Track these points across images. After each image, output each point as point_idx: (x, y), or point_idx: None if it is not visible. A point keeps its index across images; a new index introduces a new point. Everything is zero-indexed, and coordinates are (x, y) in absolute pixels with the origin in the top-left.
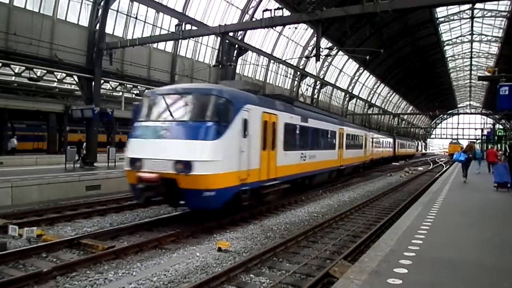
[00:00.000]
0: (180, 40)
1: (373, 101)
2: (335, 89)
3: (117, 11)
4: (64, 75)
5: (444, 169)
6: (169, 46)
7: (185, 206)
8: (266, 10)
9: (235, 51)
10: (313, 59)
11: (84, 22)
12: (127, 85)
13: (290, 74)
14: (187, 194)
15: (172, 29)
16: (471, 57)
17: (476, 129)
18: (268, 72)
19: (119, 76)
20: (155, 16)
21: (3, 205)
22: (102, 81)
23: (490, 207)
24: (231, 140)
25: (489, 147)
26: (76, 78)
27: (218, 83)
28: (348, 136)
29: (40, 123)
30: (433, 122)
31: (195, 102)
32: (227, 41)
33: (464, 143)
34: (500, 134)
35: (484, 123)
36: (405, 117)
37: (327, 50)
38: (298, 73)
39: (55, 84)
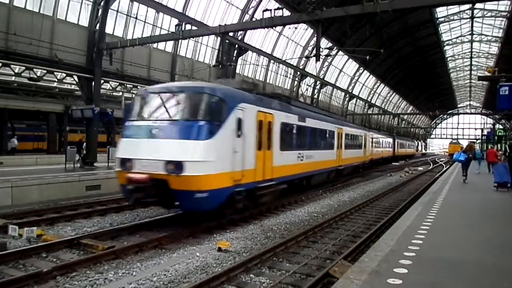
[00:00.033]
0: (180, 40)
1: (373, 101)
2: (335, 89)
3: (117, 11)
4: (64, 75)
5: (444, 169)
6: (169, 46)
7: (177, 208)
8: (266, 10)
9: (235, 51)
10: (313, 59)
11: (84, 22)
12: (127, 85)
13: (290, 74)
14: (178, 196)
15: (172, 29)
16: (471, 57)
17: (476, 129)
18: (268, 72)
19: (119, 76)
20: (155, 16)
21: (3, 205)
22: (102, 81)
23: (490, 207)
24: (224, 140)
25: (489, 147)
26: (76, 78)
27: (211, 81)
28: (347, 136)
29: (40, 123)
30: (433, 122)
31: (187, 100)
32: (227, 41)
33: (464, 143)
34: (500, 134)
35: (484, 123)
36: (405, 117)
37: (327, 50)
38: (298, 73)
39: (55, 84)
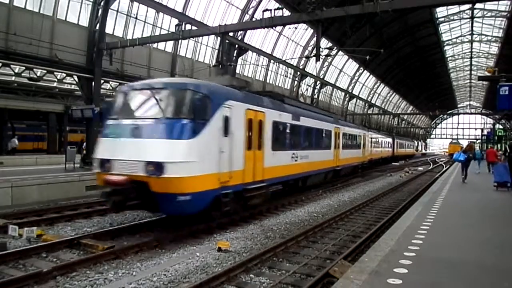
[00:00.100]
0: (180, 40)
1: (373, 101)
2: (335, 89)
3: (117, 11)
4: (64, 75)
5: (444, 169)
6: (169, 46)
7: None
8: (266, 10)
9: (235, 51)
10: (313, 59)
11: (84, 22)
12: None
13: (290, 74)
14: (159, 199)
15: (172, 29)
16: (471, 57)
17: (476, 129)
18: (268, 72)
19: (119, 76)
20: (155, 16)
21: (3, 205)
22: (102, 81)
23: (490, 207)
24: (209, 139)
25: (489, 147)
26: (76, 78)
27: (200, 78)
28: (345, 135)
29: (40, 123)
30: (433, 122)
31: (169, 97)
32: (227, 41)
33: (464, 143)
34: (500, 134)
35: (484, 123)
36: (405, 117)
37: (327, 50)
38: (298, 73)
39: (55, 84)
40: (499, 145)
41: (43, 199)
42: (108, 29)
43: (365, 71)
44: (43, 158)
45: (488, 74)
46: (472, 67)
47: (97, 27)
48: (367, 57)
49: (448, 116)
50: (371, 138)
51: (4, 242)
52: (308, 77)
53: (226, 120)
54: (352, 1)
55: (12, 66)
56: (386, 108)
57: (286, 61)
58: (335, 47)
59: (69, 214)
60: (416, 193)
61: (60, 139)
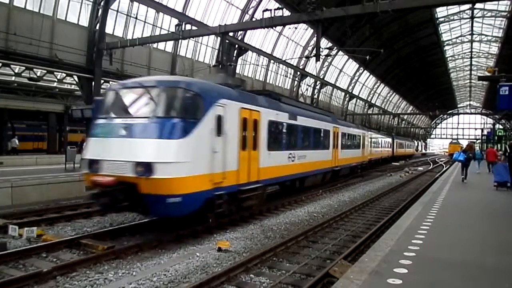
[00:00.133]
0: (180, 40)
1: (373, 101)
2: (335, 89)
3: (117, 11)
4: (64, 75)
5: (444, 169)
6: (169, 46)
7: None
8: (266, 10)
9: (235, 51)
10: (313, 59)
11: (84, 22)
12: None
13: (290, 74)
14: (148, 200)
15: (172, 29)
16: (471, 57)
17: (476, 129)
18: (268, 72)
19: (119, 76)
20: (155, 16)
21: (3, 205)
22: (102, 81)
23: (490, 206)
24: (201, 139)
25: (489, 147)
26: (76, 78)
27: (195, 77)
28: (344, 135)
29: (40, 123)
30: (433, 122)
31: (160, 96)
32: (227, 41)
33: (464, 143)
34: (500, 134)
35: (484, 123)
36: (405, 117)
37: (327, 50)
38: (298, 73)
39: (55, 84)
40: (499, 145)
41: (43, 199)
42: (108, 29)
43: (365, 71)
44: (43, 158)
45: (488, 74)
46: (472, 67)
47: (97, 27)
48: (367, 57)
49: (448, 116)
50: (371, 138)
51: (4, 242)
52: (308, 77)
53: (219, 119)
54: (352, 1)
55: (12, 66)
56: (386, 108)
57: (286, 61)
58: (335, 47)
59: (69, 214)
60: (416, 193)
61: (60, 139)
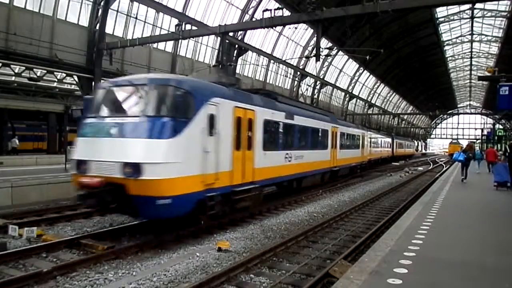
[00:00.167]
0: (180, 40)
1: (373, 101)
2: (335, 89)
3: (117, 11)
4: (64, 75)
5: (444, 169)
6: (169, 46)
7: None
8: (266, 10)
9: (235, 51)
10: (313, 59)
11: (84, 22)
12: None
13: (290, 74)
14: (137, 202)
15: (172, 29)
16: (471, 57)
17: (476, 129)
18: (268, 72)
19: (119, 76)
20: (155, 16)
21: (3, 205)
22: (102, 81)
23: (490, 206)
24: (192, 139)
25: (489, 147)
26: (76, 78)
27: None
28: (343, 135)
29: (40, 123)
30: (433, 122)
31: (150, 94)
32: (227, 41)
33: (464, 143)
34: (500, 134)
35: (484, 123)
36: (405, 117)
37: (327, 50)
38: (298, 73)
39: (55, 84)
40: (499, 145)
41: (43, 199)
42: (108, 29)
43: (365, 71)
44: (43, 158)
45: (488, 74)
46: (472, 67)
47: (97, 27)
48: (367, 57)
49: (448, 116)
50: (370, 138)
51: (4, 242)
52: (308, 77)
53: (212, 118)
54: (352, 1)
55: (12, 66)
56: (386, 108)
57: (286, 61)
58: (335, 47)
59: (69, 214)
60: (416, 193)
61: (60, 139)
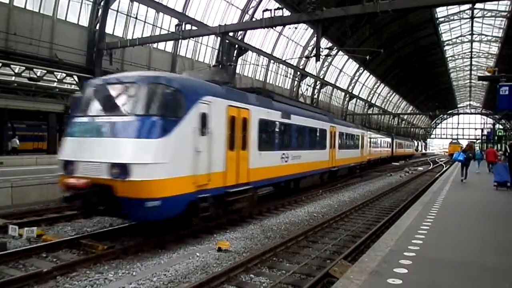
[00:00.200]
0: (180, 40)
1: (373, 101)
2: (335, 89)
3: (117, 11)
4: (64, 75)
5: (444, 169)
6: (169, 46)
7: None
8: (266, 10)
9: (235, 51)
10: (313, 59)
11: (84, 22)
12: None
13: (290, 74)
14: (125, 204)
15: (172, 29)
16: (471, 57)
17: (476, 129)
18: (268, 72)
19: None
20: (155, 16)
21: (3, 205)
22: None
23: (490, 206)
24: (182, 138)
25: (489, 147)
26: (76, 78)
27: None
28: (342, 135)
29: (40, 123)
30: (433, 122)
31: (139, 92)
32: (227, 41)
33: (464, 143)
34: (500, 134)
35: (484, 123)
36: (405, 117)
37: (327, 50)
38: (298, 73)
39: (55, 84)
40: (499, 145)
41: (43, 199)
42: (108, 29)
43: (365, 71)
44: (43, 158)
45: (488, 74)
46: (472, 67)
47: (97, 27)
48: (367, 57)
49: (448, 116)
50: (370, 138)
51: (4, 242)
52: (308, 77)
53: (204, 117)
54: (352, 1)
55: (12, 66)
56: (386, 108)
57: (286, 61)
58: (335, 47)
59: (69, 214)
60: (416, 193)
61: (60, 139)
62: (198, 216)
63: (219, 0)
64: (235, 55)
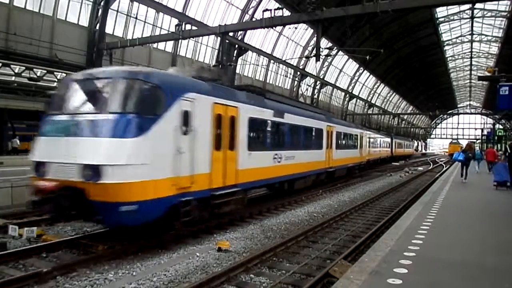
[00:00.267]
0: (180, 40)
1: (373, 101)
2: (335, 89)
3: (117, 11)
4: (64, 75)
5: (444, 169)
6: (169, 46)
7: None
8: (266, 10)
9: (235, 51)
10: (313, 59)
11: (84, 22)
12: None
13: (290, 74)
14: (99, 208)
15: (172, 29)
16: (471, 57)
17: (476, 129)
18: (268, 72)
19: None
20: (155, 16)
21: (3, 205)
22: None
23: (490, 206)
24: (161, 138)
25: (489, 147)
26: None
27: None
28: (339, 135)
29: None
30: (433, 122)
31: (115, 89)
32: (227, 41)
33: (464, 143)
34: (500, 134)
35: (484, 123)
36: (405, 117)
37: (327, 50)
38: (298, 73)
39: (55, 84)
40: (499, 145)
41: None
42: (108, 29)
43: (365, 71)
44: None
45: (488, 74)
46: (472, 67)
47: (97, 27)
48: (367, 57)
49: (448, 116)
50: (369, 138)
51: (4, 242)
52: (308, 77)
53: (186, 115)
54: (352, 1)
55: (12, 66)
56: (386, 108)
57: (286, 61)
58: (335, 47)
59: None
60: (416, 193)
61: None
62: (180, 221)
63: (219, 0)
64: (235, 55)
